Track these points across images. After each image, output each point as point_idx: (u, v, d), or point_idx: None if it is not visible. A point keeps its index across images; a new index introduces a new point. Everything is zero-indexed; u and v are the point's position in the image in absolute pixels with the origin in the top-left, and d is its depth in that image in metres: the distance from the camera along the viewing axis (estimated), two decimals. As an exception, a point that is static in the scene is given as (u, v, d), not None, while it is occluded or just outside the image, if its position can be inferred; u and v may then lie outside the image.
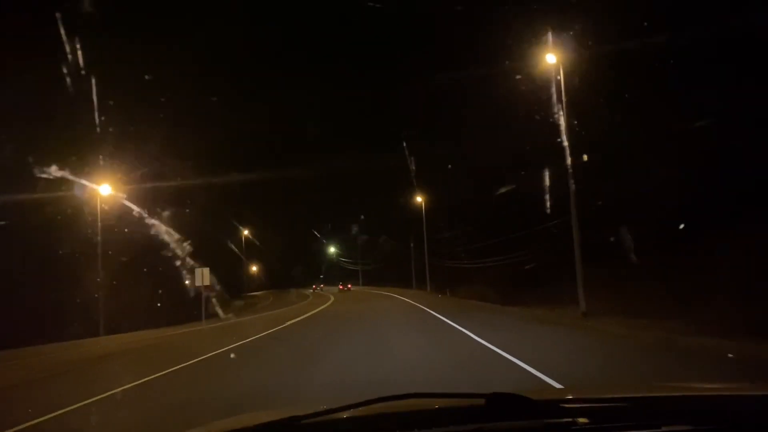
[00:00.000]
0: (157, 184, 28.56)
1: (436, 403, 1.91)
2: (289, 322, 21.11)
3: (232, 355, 12.45)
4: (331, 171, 77.45)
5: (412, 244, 50.91)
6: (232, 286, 49.99)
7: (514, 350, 9.74)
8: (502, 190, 29.07)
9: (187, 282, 23.85)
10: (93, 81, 19.78)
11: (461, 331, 13.90)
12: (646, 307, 14.49)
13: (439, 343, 12.18)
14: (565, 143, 16.82)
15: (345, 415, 1.76)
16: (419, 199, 45.93)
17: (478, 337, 12.17)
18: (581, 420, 1.65)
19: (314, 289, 74.69)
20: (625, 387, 3.04)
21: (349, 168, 74.15)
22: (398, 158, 46.22)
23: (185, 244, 26.78)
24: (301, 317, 24.65)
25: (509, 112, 26.10)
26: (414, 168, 42.61)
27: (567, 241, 20.70)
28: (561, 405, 1.83)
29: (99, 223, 23.70)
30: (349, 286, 70.58)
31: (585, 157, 17.59)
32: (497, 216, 30.71)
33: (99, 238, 23.57)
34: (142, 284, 27.73)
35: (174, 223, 27.83)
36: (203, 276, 20.71)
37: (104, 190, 24.07)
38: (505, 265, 29.06)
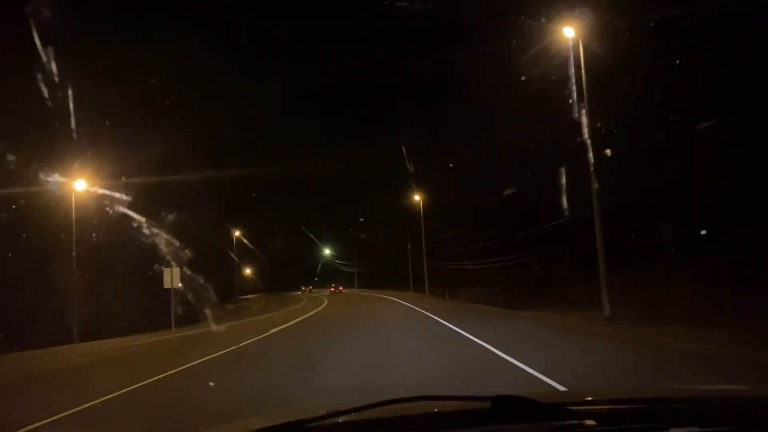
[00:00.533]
0: (141, 180, 26.82)
1: (443, 406, 1.89)
2: (273, 330, 19.42)
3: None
4: (327, 171, 76.23)
5: (409, 245, 49.30)
6: (224, 288, 48.64)
7: (548, 369, 7.97)
8: (507, 191, 27.49)
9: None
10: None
11: (477, 342, 12.04)
12: (673, 313, 13.00)
13: (455, 361, 10.23)
14: (587, 138, 15.05)
15: (352, 418, 1.73)
16: (417, 198, 44.41)
17: (499, 350, 10.40)
18: (588, 422, 1.58)
19: (303, 291, 74.99)
20: (632, 389, 3.08)
21: (346, 168, 72.86)
22: (396, 157, 44.83)
23: (175, 243, 25.13)
24: (293, 322, 23.53)
25: (515, 105, 24.71)
26: (412, 167, 41.32)
27: (577, 241, 19.21)
28: (567, 407, 1.76)
29: (74, 222, 22.07)
30: (341, 288, 70.72)
31: (608, 152, 16.02)
32: (500, 215, 29.25)
33: (74, 236, 21.99)
34: (124, 286, 26.05)
35: (160, 222, 26.30)
36: (173, 276, 18.80)
37: (80, 185, 22.42)
38: (508, 267, 27.67)
